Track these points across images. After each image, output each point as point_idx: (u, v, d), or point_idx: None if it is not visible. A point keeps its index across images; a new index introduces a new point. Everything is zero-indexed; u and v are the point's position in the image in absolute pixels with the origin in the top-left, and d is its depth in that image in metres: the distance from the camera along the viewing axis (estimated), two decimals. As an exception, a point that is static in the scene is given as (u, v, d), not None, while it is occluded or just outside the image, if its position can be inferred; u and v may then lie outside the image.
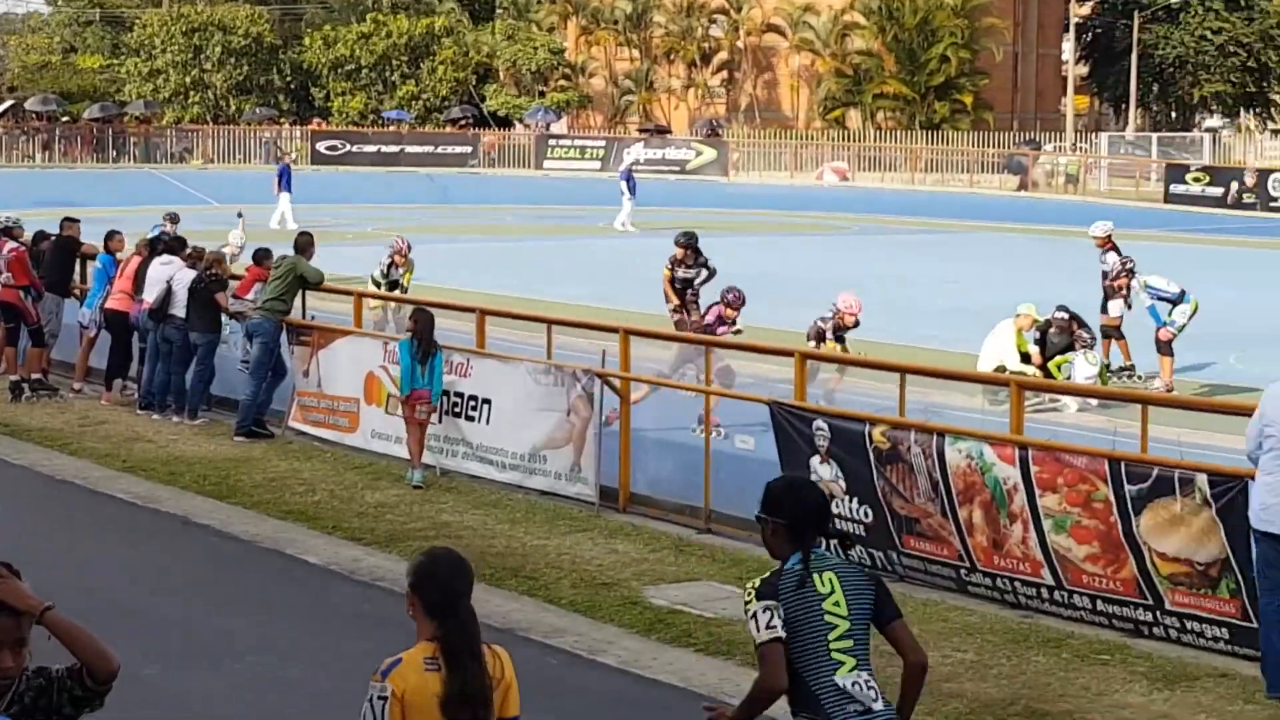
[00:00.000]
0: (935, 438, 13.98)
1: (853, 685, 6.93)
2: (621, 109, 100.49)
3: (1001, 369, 22.23)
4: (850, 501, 14.58)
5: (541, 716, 10.86)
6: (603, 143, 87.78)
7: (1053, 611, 13.34)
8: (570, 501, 17.25)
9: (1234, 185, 67.17)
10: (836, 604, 6.99)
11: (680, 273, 26.23)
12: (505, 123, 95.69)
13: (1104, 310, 25.49)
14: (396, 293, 26.09)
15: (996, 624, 13.19)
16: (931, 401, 18.75)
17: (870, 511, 14.46)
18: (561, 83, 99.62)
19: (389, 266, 27.27)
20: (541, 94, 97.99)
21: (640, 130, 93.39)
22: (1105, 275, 26.00)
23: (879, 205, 66.02)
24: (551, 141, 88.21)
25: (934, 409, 17.40)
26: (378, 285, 26.99)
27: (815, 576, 7.01)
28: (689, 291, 26.03)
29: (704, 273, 26.18)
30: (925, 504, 14.04)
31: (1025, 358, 23.33)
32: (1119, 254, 25.89)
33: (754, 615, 6.90)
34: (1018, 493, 13.35)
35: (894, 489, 14.24)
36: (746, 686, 11.63)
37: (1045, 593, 13.37)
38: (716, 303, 21.68)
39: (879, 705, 6.98)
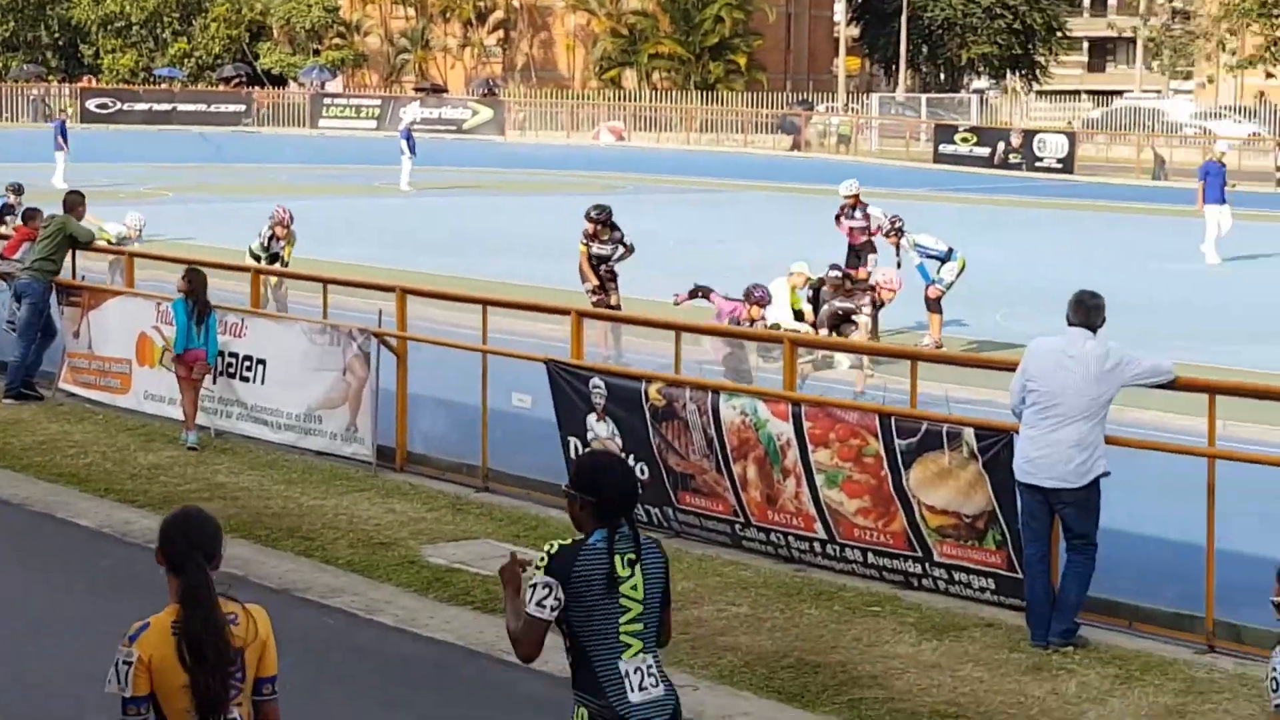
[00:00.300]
0: (710, 395, 14.12)
1: (634, 670, 6.96)
2: (397, 68, 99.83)
3: (776, 327, 22.46)
4: (627, 459, 14.68)
5: (318, 676, 10.88)
6: (378, 102, 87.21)
7: (825, 565, 13.55)
8: (347, 461, 17.20)
9: (1000, 145, 68.33)
10: (634, 588, 6.96)
11: (595, 249, 24.31)
12: (279, 81, 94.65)
13: (853, 265, 25.86)
14: (277, 266, 24.21)
15: (770, 578, 13.37)
16: (706, 359, 18.95)
17: (646, 468, 14.57)
18: (336, 41, 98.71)
19: (270, 239, 24.92)
20: (316, 52, 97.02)
21: (416, 89, 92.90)
22: (854, 231, 26.54)
23: (655, 165, 66.28)
24: (327, 100, 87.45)
25: (708, 364, 17.58)
26: (257, 259, 24.73)
27: (616, 559, 6.97)
28: (603, 268, 24.23)
29: (620, 249, 24.31)
30: (700, 460, 14.18)
31: (799, 315, 23.60)
32: (865, 210, 26.54)
33: (534, 585, 6.88)
34: (791, 448, 13.53)
35: (670, 446, 14.37)
36: (524, 643, 11.72)
37: (818, 546, 13.57)
38: (735, 299, 20.28)
39: (659, 690, 7.00)
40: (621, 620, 6.91)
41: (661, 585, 7.06)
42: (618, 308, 23.40)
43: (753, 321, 20.35)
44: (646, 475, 14.59)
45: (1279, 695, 6.36)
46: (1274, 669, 6.41)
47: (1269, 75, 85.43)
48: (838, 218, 27.19)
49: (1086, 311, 11.77)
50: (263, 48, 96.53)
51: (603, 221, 24.24)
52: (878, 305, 20.40)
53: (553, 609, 6.84)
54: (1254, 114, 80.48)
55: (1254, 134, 66.96)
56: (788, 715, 10.51)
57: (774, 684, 11.00)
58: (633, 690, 6.91)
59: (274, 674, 6.49)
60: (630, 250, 24.37)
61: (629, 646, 6.93)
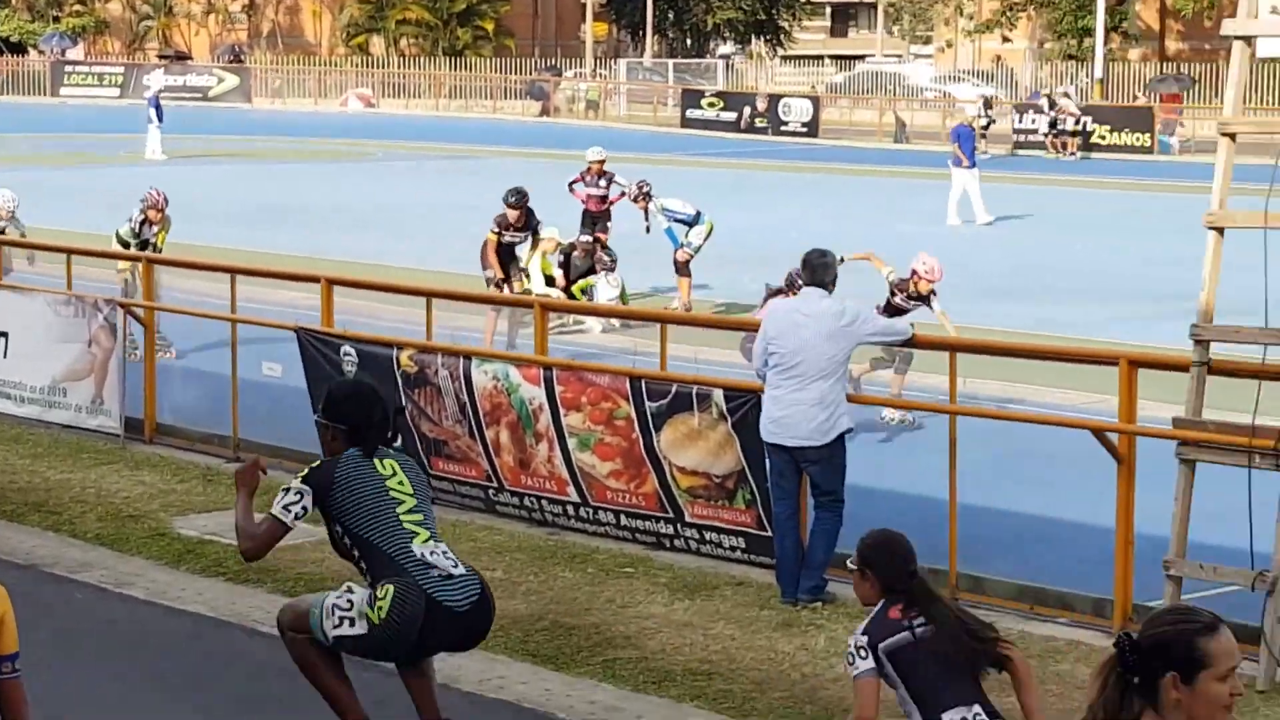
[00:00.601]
0: (462, 360, 14.16)
1: (430, 554, 7.09)
2: (140, 35, 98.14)
3: (528, 292, 22.55)
4: (378, 425, 14.65)
5: (67, 652, 10.75)
6: (121, 69, 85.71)
7: (578, 528, 13.65)
8: (94, 434, 16.96)
9: (746, 110, 68.92)
10: (400, 483, 7.18)
11: (508, 237, 22.76)
12: (18, 49, 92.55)
13: (589, 231, 25.97)
14: (148, 253, 21.38)
15: (525, 542, 13.45)
16: (458, 325, 18.99)
17: (399, 435, 14.53)
18: (77, 8, 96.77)
19: (141, 224, 22.03)
20: (56, 19, 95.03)
21: (160, 57, 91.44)
22: (591, 198, 26.65)
23: (404, 131, 66.00)
24: (68, 68, 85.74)
25: (460, 332, 17.60)
26: (126, 245, 22.08)
27: (375, 460, 7.15)
28: (515, 263, 22.91)
29: (530, 237, 23.03)
30: (453, 426, 14.21)
31: (550, 280, 23.72)
32: (610, 178, 26.67)
33: (285, 489, 7.00)
34: (543, 413, 13.61)
35: (422, 412, 14.38)
36: (274, 612, 11.68)
37: (571, 510, 13.67)
38: (777, 290, 17.68)
39: (462, 570, 7.14)
40: (399, 510, 7.11)
41: (426, 488, 7.25)
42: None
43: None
44: (400, 442, 14.54)
45: (854, 668, 7.15)
46: (849, 646, 7.22)
47: (1005, 39, 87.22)
48: (572, 184, 27.25)
49: (813, 270, 11.98)
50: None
51: (523, 208, 22.75)
52: (914, 295, 18.11)
53: (296, 516, 7.00)
54: (991, 77, 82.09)
55: (991, 97, 68.25)
56: (543, 678, 10.59)
57: (529, 647, 11.08)
58: (435, 567, 7.06)
59: (14, 651, 6.37)
60: (538, 238, 23.08)
61: (416, 534, 7.10)
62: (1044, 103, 60.39)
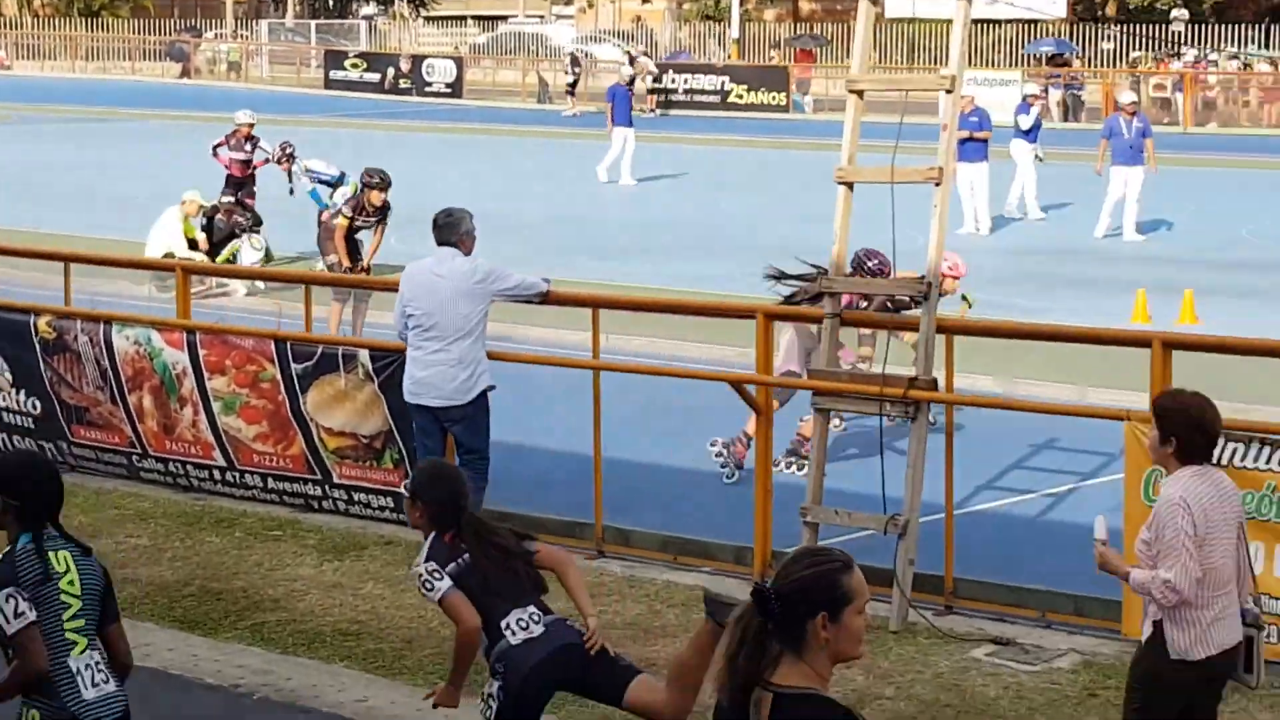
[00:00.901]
0: (102, 326, 13.95)
1: (85, 667, 6.84)
2: None
3: (170, 255, 22.25)
4: (17, 394, 14.39)
5: None
6: None
7: (225, 492, 13.57)
8: None
9: (390, 71, 68.56)
10: (71, 583, 6.79)
11: (360, 222, 20.90)
12: None
13: (233, 195, 25.65)
14: None
15: (170, 508, 13.33)
16: (98, 291, 18.69)
17: (38, 403, 14.30)
18: None
19: None
20: None
21: None
22: (234, 163, 26.31)
23: (40, 94, 64.38)
24: None
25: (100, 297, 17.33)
26: None
27: (51, 555, 6.79)
28: (360, 253, 21.06)
29: (379, 226, 21.07)
30: (94, 392, 14.00)
31: (193, 244, 23.44)
32: (256, 143, 26.36)
33: None
34: (187, 377, 13.49)
35: (62, 379, 14.14)
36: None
37: (217, 474, 13.58)
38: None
39: (111, 686, 6.88)
40: (65, 616, 6.74)
41: (98, 583, 6.88)
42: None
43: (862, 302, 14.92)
44: (39, 410, 14.32)
45: (435, 591, 7.46)
46: (420, 575, 7.51)
47: (645, 0, 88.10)
48: (216, 148, 26.88)
49: (440, 230, 12.10)
50: None
51: (388, 189, 20.80)
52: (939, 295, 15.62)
53: (31, 608, 6.64)
54: (632, 37, 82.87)
55: (578, 53, 69.05)
56: (191, 644, 10.54)
57: (176, 613, 11.01)
58: (86, 687, 6.79)
59: None
60: (379, 225, 21.15)
61: (75, 644, 6.79)
62: (625, 59, 61.65)
